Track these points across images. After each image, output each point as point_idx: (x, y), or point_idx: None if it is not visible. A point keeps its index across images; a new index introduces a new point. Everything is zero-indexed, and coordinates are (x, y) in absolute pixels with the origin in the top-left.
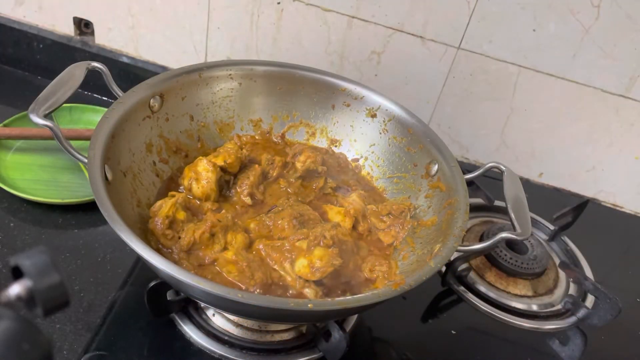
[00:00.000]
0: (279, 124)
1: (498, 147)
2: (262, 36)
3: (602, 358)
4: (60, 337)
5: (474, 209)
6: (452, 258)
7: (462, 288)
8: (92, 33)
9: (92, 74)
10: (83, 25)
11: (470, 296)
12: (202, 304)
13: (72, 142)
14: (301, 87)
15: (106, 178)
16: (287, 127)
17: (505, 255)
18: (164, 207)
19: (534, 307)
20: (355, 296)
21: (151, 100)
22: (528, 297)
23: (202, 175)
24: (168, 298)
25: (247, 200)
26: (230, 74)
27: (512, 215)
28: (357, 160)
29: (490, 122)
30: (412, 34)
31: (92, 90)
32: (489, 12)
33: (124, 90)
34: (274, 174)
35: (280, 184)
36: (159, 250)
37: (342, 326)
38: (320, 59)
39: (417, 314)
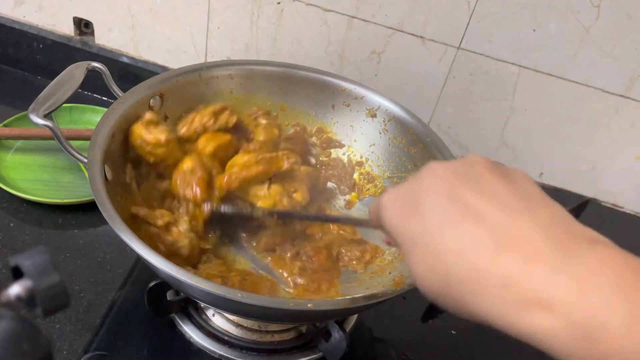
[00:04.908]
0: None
1: (498, 147)
2: (262, 36)
3: None
4: (60, 337)
5: None
6: None
7: None
8: (92, 33)
9: (92, 74)
10: (83, 25)
11: None
12: (202, 304)
13: (72, 142)
14: (301, 87)
15: (106, 178)
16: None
17: None
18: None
19: None
20: (355, 296)
21: (151, 100)
22: None
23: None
24: (168, 298)
25: None
26: (230, 74)
27: None
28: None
29: (490, 122)
30: (412, 34)
31: (92, 90)
32: (489, 12)
33: (124, 90)
34: None
35: None
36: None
37: (342, 326)
38: (320, 59)
39: (417, 314)
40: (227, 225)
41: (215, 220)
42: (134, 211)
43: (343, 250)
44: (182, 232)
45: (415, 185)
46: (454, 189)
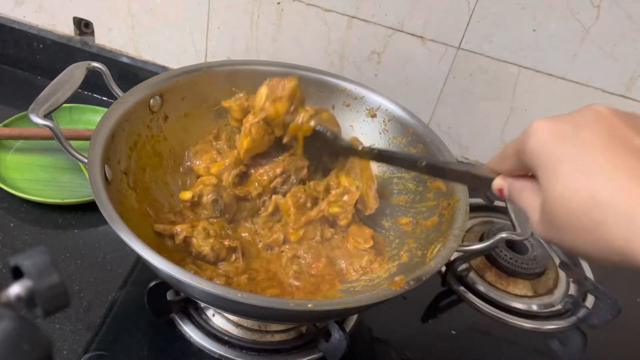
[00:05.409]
0: None
1: (498, 147)
2: (262, 36)
3: (602, 358)
4: (60, 337)
5: (474, 209)
6: (452, 258)
7: (462, 288)
8: (92, 33)
9: (92, 74)
10: (83, 25)
11: (470, 296)
12: (202, 304)
13: (72, 142)
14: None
15: (106, 178)
16: None
17: (505, 255)
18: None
19: (534, 307)
20: (355, 297)
21: (151, 100)
22: (528, 297)
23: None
24: (168, 298)
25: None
26: (230, 74)
27: (512, 216)
28: None
29: (490, 122)
30: (412, 34)
31: (92, 90)
32: (489, 12)
33: (124, 90)
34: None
35: None
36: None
37: (342, 326)
38: (320, 59)
39: (417, 314)
40: (317, 154)
41: (311, 144)
42: (156, 229)
43: (346, 264)
44: (200, 241)
45: (576, 117)
46: (619, 128)
